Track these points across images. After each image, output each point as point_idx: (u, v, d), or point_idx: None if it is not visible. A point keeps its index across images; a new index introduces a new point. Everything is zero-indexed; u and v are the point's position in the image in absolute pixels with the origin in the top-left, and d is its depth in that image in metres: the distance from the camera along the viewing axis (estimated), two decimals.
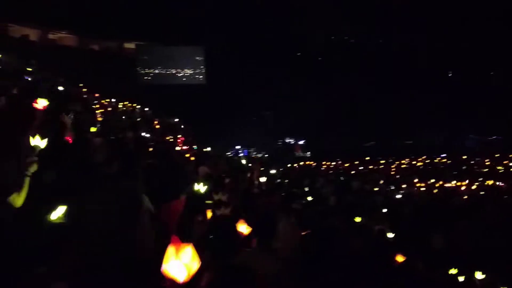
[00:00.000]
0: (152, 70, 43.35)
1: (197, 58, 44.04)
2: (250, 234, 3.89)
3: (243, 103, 40.26)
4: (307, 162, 33.48)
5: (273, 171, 14.28)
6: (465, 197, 15.42)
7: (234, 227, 3.76)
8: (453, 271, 6.08)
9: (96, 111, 12.67)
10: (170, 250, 1.86)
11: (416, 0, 43.68)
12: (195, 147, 15.63)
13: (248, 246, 3.86)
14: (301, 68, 44.54)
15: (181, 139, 15.18)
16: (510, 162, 30.44)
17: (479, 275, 5.81)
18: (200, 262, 2.02)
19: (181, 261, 1.84)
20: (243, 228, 3.94)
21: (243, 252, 3.55)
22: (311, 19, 44.60)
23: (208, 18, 39.82)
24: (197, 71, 44.11)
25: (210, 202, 4.66)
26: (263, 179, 10.44)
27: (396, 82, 43.28)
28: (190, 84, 42.83)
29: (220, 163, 10.02)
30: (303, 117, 41.56)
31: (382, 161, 31.59)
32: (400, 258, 5.50)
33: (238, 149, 36.33)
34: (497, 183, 22.04)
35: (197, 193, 4.97)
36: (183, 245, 1.87)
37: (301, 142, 44.86)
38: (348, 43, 49.66)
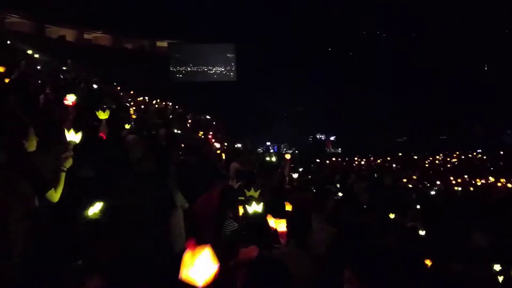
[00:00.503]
0: (184, 68, 43.88)
1: (228, 55, 44.29)
2: (283, 230, 3.87)
3: (273, 99, 40.25)
4: (339, 158, 33.13)
5: (301, 168, 14.19)
6: (503, 194, 14.89)
7: (266, 224, 3.74)
8: (497, 266, 5.89)
9: (130, 109, 12.92)
10: (187, 255, 1.84)
11: None
12: (226, 143, 15.71)
13: (281, 243, 3.84)
14: (332, 64, 44.11)
15: (212, 135, 15.28)
16: None
17: None
18: (229, 261, 2.00)
19: (198, 265, 1.82)
20: (276, 224, 3.92)
21: (276, 249, 3.54)
22: (343, 16, 44.03)
23: (239, 15, 39.91)
24: (228, 68, 44.35)
25: (242, 198, 4.66)
26: (295, 175, 10.37)
27: (430, 77, 42.30)
28: (221, 81, 43.15)
29: (251, 159, 10.02)
30: (334, 113, 41.20)
31: (415, 157, 30.91)
32: (428, 262, 5.38)
33: (269, 145, 36.32)
34: None
35: (230, 189, 4.99)
36: (200, 247, 1.84)
37: (332, 138, 44.49)
38: (380, 39, 48.78)
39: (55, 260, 2.44)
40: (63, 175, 3.11)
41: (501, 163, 27.84)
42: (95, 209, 3.19)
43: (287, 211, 4.71)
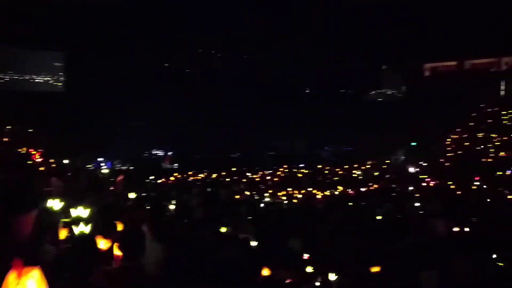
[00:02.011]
0: (1, 75, 39.12)
1: (56, 64, 41.01)
2: (113, 250, 3.70)
3: (106, 113, 38.44)
4: (175, 174, 33.16)
5: (138, 184, 13.85)
6: (320, 204, 16.66)
7: (94, 244, 3.54)
8: (309, 269, 6.53)
9: None
10: (12, 275, 1.66)
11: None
12: (51, 160, 14.43)
13: (111, 264, 3.67)
14: (168, 79, 44.23)
15: (35, 151, 13.89)
16: (357, 170, 34.01)
17: (332, 276, 6.29)
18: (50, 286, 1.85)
19: (27, 286, 1.66)
20: (104, 244, 3.74)
21: (104, 270, 3.37)
22: (181, 31, 44.58)
23: (69, 21, 37.28)
24: (55, 78, 41.03)
25: (67, 220, 4.33)
26: (131, 195, 10.02)
27: (259, 96, 45.42)
28: (47, 92, 39.64)
29: (79, 176, 9.39)
30: (171, 128, 41.18)
31: (247, 172, 32.70)
32: (265, 272, 5.71)
33: (101, 161, 34.40)
34: (348, 190, 24.32)
35: (49, 210, 4.59)
36: (27, 269, 1.68)
37: (169, 154, 44.30)
38: (214, 56, 50.73)
39: None
40: None
41: (320, 177, 31.30)
42: None
43: (119, 231, 4.54)
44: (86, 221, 4.10)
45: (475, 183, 24.38)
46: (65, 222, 4.27)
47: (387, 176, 30.79)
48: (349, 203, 16.40)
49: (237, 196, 16.56)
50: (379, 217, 11.77)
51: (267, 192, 21.00)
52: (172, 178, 28.47)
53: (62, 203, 4.77)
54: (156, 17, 42.26)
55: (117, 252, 3.62)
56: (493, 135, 34.53)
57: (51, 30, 36.52)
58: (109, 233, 3.97)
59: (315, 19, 45.85)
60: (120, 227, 4.74)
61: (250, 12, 44.44)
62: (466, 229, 10.46)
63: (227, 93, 43.99)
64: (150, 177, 24.68)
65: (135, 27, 41.72)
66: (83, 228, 3.83)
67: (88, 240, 3.58)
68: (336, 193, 23.31)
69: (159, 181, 25.09)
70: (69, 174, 8.61)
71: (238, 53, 50.71)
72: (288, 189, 23.94)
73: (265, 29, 45.78)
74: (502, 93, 43.72)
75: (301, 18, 46.26)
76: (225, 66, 48.88)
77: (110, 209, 6.44)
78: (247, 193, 19.89)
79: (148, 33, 42.54)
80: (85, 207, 4.52)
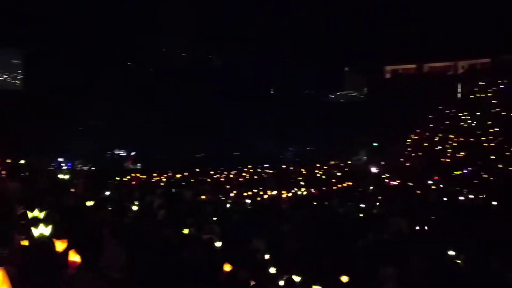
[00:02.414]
0: None
1: (13, 61, 39.55)
2: (72, 254, 3.59)
3: (67, 112, 37.37)
4: (138, 175, 32.57)
5: (100, 185, 13.49)
6: (285, 204, 16.79)
7: (53, 248, 3.44)
8: (272, 270, 6.57)
9: None
10: None
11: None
12: (8, 160, 13.87)
13: (71, 268, 3.57)
14: (133, 78, 43.47)
15: None
16: (320, 171, 34.45)
17: (296, 278, 6.34)
18: None
19: None
20: (63, 248, 3.63)
21: (64, 274, 3.28)
22: (143, 30, 43.91)
23: (27, 19, 36.03)
24: (13, 75, 39.56)
25: (23, 222, 4.17)
26: (92, 197, 9.74)
27: (223, 97, 45.31)
28: (4, 90, 38.16)
29: (38, 177, 9.07)
30: (134, 128, 40.46)
31: (211, 172, 32.51)
32: (227, 267, 5.70)
33: (61, 162, 33.37)
34: (311, 190, 24.60)
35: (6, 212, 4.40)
36: None
37: (132, 154, 43.47)
38: (180, 57, 50.28)
39: None
40: None
41: (284, 177, 31.48)
42: None
43: (79, 232, 4.41)
44: (45, 223, 3.97)
45: (434, 182, 25.17)
46: (23, 224, 4.12)
47: (349, 176, 31.35)
48: (313, 203, 16.62)
49: (202, 197, 16.43)
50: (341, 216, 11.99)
51: (232, 193, 20.94)
52: (135, 179, 27.96)
53: (20, 205, 4.60)
54: (118, 15, 41.49)
55: (73, 257, 3.47)
56: (451, 136, 35.76)
57: (9, 27, 35.18)
58: (69, 236, 3.86)
59: (279, 21, 46.22)
60: (79, 229, 4.61)
61: (214, 13, 44.35)
62: (426, 227, 10.81)
63: (191, 93, 43.67)
64: (112, 178, 24.14)
65: (96, 25, 40.77)
66: (43, 230, 3.70)
67: (47, 243, 3.47)
68: (300, 193, 23.54)
69: (121, 182, 24.59)
70: (26, 174, 8.31)
71: (202, 54, 50.47)
72: (253, 189, 23.97)
73: (229, 30, 45.78)
74: (459, 95, 45.39)
75: (266, 20, 46.51)
76: (189, 66, 48.51)
77: (70, 211, 6.27)
78: (212, 194, 19.77)
79: (109, 32, 41.66)
80: (44, 209, 4.38)
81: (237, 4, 46.05)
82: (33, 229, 3.77)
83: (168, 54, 49.29)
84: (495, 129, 33.68)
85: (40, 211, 4.23)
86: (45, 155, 26.65)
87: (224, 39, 46.63)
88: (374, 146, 40.66)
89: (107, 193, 11.43)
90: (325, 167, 35.78)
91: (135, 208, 9.79)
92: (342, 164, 37.07)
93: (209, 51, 50.45)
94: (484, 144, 31.97)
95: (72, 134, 36.39)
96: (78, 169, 29.34)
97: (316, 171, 34.55)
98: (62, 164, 31.78)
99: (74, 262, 3.47)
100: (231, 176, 32.03)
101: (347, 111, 48.11)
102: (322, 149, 42.46)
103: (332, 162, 37.22)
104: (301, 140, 46.58)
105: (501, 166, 26.75)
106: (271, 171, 35.32)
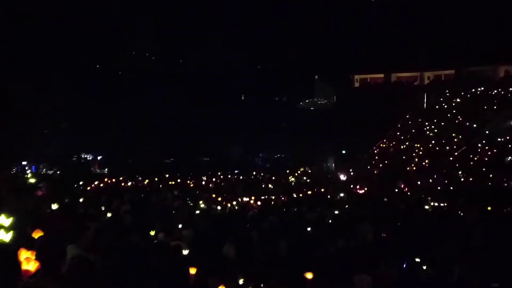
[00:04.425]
0: None
1: None
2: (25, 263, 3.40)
3: (31, 113, 36.23)
4: (105, 179, 31.89)
5: (65, 190, 13.17)
6: (254, 210, 16.72)
7: (15, 255, 3.29)
8: (240, 277, 6.50)
9: None
10: None
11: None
12: None
13: (31, 275, 3.42)
14: (101, 81, 42.69)
15: None
16: (290, 177, 34.63)
17: (309, 275, 6.26)
18: None
19: None
20: (24, 255, 3.47)
21: (25, 283, 3.14)
22: (110, 31, 43.25)
23: None
24: None
25: None
26: (56, 201, 9.48)
27: (193, 102, 45.11)
28: None
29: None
30: (101, 131, 39.68)
31: (181, 177, 32.17)
32: (192, 271, 5.62)
33: (25, 165, 32.34)
34: (280, 196, 24.60)
35: None
36: None
37: (99, 158, 42.60)
38: (147, 58, 49.83)
39: None
40: None
41: (253, 183, 31.44)
42: None
43: (37, 238, 4.24)
44: (6, 228, 3.80)
45: (399, 190, 25.66)
46: None
47: (318, 182, 31.62)
48: (282, 210, 16.65)
49: (171, 202, 16.20)
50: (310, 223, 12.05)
51: (201, 199, 20.73)
52: (101, 184, 27.36)
53: None
54: (85, 12, 40.73)
55: (26, 266, 3.22)
56: (417, 145, 36.66)
57: None
58: (30, 243, 3.71)
59: (251, 27, 46.48)
60: (39, 234, 4.44)
61: (183, 14, 44.16)
62: (392, 234, 10.98)
63: (161, 97, 43.25)
64: (78, 182, 23.53)
65: (62, 23, 39.92)
66: (3, 237, 3.54)
67: (8, 251, 3.32)
68: (269, 199, 23.53)
69: (87, 186, 24.01)
70: None
71: (172, 56, 50.14)
72: (223, 195, 23.81)
73: (199, 34, 45.71)
74: (425, 105, 46.64)
75: (237, 25, 46.70)
76: (158, 69, 48.13)
77: (32, 216, 6.07)
78: (181, 199, 19.52)
79: (76, 31, 40.84)
80: (5, 214, 4.19)
81: (210, 7, 46.10)
82: None
83: (139, 57, 48.74)
84: (460, 137, 34.78)
85: (7, 217, 4.02)
86: (8, 159, 25.77)
87: (193, 42, 46.52)
88: (342, 153, 41.25)
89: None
90: (294, 173, 36.01)
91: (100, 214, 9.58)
92: (310, 171, 37.41)
93: (179, 56, 50.20)
94: (448, 153, 32.95)
95: (38, 136, 35.37)
96: (43, 173, 28.53)
97: (286, 177, 34.72)
98: (25, 168, 30.84)
99: (27, 271, 3.26)
100: (201, 182, 31.78)
101: (316, 118, 48.69)
102: (292, 156, 42.76)
103: (301, 169, 37.50)
104: (271, 147, 46.79)
105: (464, 174, 27.61)
106: (240, 177, 35.25)
